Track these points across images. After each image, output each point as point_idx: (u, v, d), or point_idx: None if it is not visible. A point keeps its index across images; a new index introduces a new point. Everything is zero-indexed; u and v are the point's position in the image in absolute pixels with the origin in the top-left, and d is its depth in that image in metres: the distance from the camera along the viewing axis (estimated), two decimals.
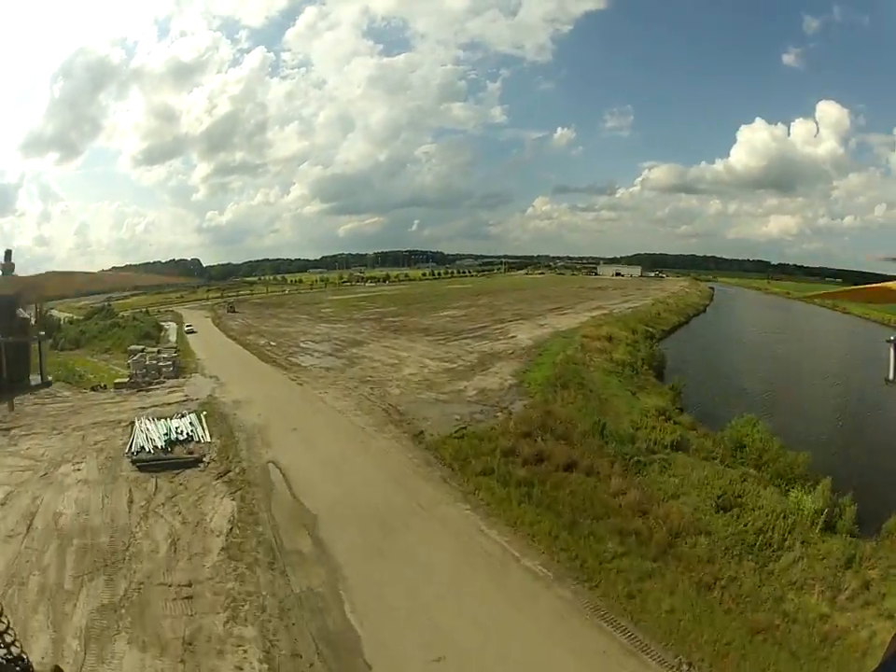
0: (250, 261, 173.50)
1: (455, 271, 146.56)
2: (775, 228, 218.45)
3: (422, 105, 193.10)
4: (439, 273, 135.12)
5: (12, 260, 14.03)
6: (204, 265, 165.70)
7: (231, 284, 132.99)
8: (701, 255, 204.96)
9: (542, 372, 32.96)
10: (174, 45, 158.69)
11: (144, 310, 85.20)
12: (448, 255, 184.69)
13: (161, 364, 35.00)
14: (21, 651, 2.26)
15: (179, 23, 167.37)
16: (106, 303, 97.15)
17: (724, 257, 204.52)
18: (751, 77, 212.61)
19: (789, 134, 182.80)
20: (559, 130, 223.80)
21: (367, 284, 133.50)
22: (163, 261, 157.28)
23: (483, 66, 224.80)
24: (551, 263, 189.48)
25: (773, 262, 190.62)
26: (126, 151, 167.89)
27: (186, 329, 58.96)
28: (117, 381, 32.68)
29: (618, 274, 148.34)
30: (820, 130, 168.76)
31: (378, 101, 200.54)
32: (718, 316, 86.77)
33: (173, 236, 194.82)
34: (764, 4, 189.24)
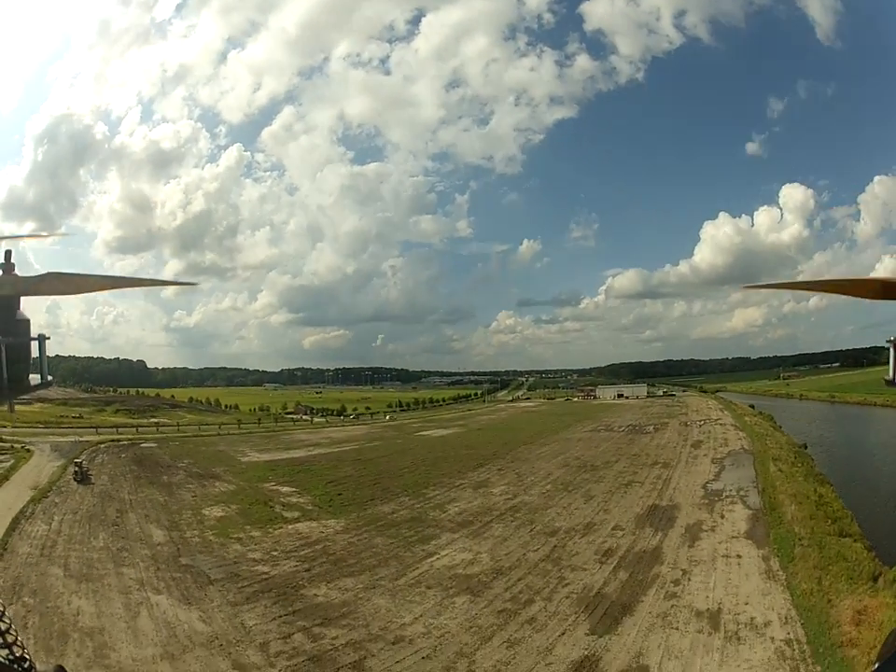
0: (208, 368, 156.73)
1: (426, 399, 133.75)
2: (740, 322, 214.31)
3: (391, 217, 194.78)
4: (408, 404, 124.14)
5: (12, 261, 8.73)
6: (160, 367, 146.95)
7: (143, 406, 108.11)
8: (677, 359, 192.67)
9: None
10: (155, 129, 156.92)
11: None
12: (413, 371, 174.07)
13: None
14: (24, 652, 2.73)
15: (162, 107, 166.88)
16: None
17: (702, 358, 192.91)
18: (716, 173, 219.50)
19: (752, 225, 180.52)
20: (525, 242, 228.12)
21: (314, 421, 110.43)
22: (107, 357, 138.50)
23: (452, 178, 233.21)
24: (522, 379, 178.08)
25: (751, 357, 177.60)
26: (101, 236, 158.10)
27: None
28: None
29: (621, 396, 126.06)
30: (785, 215, 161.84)
31: (348, 211, 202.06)
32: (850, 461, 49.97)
33: (141, 332, 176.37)
34: (731, 93, 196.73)
